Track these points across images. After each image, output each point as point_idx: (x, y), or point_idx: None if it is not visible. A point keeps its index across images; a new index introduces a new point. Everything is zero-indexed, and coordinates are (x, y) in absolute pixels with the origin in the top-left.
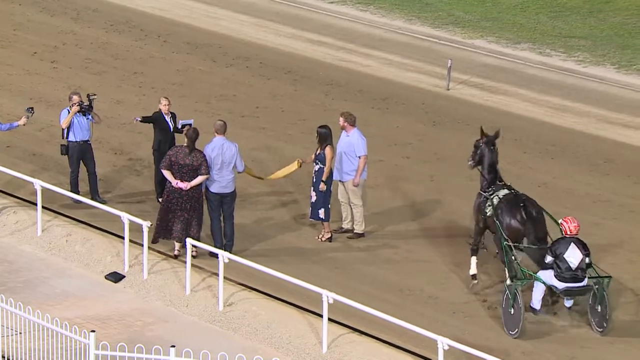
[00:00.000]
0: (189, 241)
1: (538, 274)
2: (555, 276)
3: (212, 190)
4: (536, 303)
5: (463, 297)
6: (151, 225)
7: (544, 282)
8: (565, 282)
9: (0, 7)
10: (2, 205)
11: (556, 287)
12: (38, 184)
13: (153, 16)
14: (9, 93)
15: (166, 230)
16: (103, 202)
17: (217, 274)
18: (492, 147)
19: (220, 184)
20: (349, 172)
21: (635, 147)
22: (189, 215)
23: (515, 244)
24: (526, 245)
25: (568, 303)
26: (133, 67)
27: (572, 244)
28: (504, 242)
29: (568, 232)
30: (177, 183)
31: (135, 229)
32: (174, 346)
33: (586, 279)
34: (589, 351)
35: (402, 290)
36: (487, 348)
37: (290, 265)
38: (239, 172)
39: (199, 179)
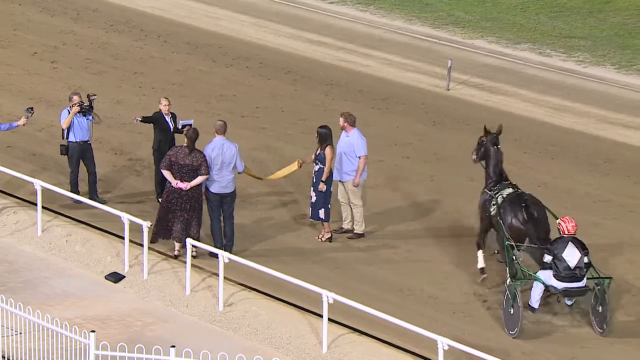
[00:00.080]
0: (189, 241)
1: (537, 273)
2: (554, 276)
3: (212, 191)
4: (534, 302)
5: (463, 297)
6: (151, 225)
7: (543, 282)
8: (564, 282)
9: (0, 7)
10: (2, 205)
11: (555, 288)
12: (38, 184)
13: (153, 16)
14: (9, 93)
15: (165, 230)
16: (103, 202)
17: (217, 274)
18: (497, 146)
19: (220, 184)
20: (349, 172)
21: (635, 147)
22: (188, 216)
23: (517, 244)
24: (527, 245)
25: (569, 301)
26: (133, 67)
27: (570, 243)
28: (506, 242)
29: (566, 232)
30: (177, 183)
31: (135, 229)
32: (174, 346)
33: (585, 279)
34: (588, 351)
35: (402, 291)
36: (487, 348)
37: (290, 265)
38: (239, 173)
39: (199, 179)
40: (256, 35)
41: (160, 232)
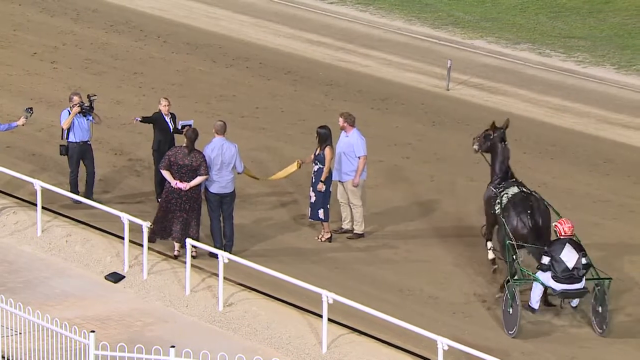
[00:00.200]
0: (189, 241)
1: (536, 274)
2: (552, 277)
3: (212, 191)
4: (534, 303)
5: (463, 297)
6: (151, 225)
7: (542, 283)
8: (562, 283)
9: (0, 7)
10: (2, 205)
11: (553, 289)
12: (38, 184)
13: (153, 16)
14: (9, 93)
15: (164, 230)
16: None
17: (216, 274)
18: (504, 142)
19: (220, 184)
20: (349, 172)
21: (634, 147)
22: (187, 216)
23: (519, 243)
24: (529, 245)
25: (574, 303)
26: (133, 67)
27: (567, 244)
28: (507, 241)
29: (562, 234)
30: (176, 183)
31: (135, 229)
32: (173, 346)
33: (584, 281)
34: (588, 351)
35: (402, 291)
36: (487, 348)
37: (289, 265)
38: (238, 173)
39: (198, 180)
40: (256, 35)
41: (158, 232)
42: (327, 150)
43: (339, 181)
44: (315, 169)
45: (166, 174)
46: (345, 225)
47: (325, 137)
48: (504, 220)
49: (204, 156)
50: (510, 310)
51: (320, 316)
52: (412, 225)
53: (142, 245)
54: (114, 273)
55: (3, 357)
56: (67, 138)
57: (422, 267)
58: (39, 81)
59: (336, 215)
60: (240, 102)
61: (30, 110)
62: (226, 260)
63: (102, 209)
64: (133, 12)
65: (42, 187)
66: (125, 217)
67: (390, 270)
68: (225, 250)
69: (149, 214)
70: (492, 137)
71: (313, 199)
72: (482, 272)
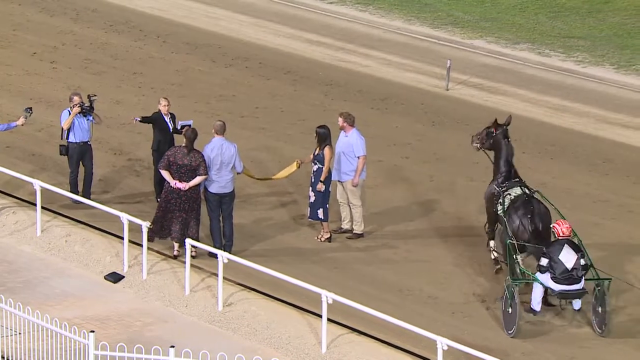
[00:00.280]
0: (188, 241)
1: (536, 275)
2: (551, 278)
3: (211, 191)
4: (536, 304)
5: (462, 297)
6: (151, 225)
7: (541, 283)
8: (561, 284)
9: None
10: (2, 205)
11: (552, 290)
12: (37, 184)
13: (152, 16)
14: (9, 93)
15: (162, 230)
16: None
17: (216, 274)
18: (507, 139)
19: (219, 184)
20: (348, 172)
21: (634, 147)
22: (187, 216)
23: (519, 243)
24: (529, 244)
25: (576, 305)
26: (132, 67)
27: (565, 245)
28: (508, 241)
29: (560, 234)
30: (175, 183)
31: (135, 229)
32: (173, 346)
33: (583, 281)
34: (588, 351)
35: (402, 291)
36: (486, 348)
37: (289, 265)
38: (237, 173)
39: (198, 179)
40: (255, 35)
41: (157, 231)
42: (327, 150)
43: (339, 181)
44: (315, 169)
45: (165, 174)
46: (345, 225)
47: (324, 137)
48: (505, 221)
49: (203, 156)
50: (510, 310)
51: (320, 316)
52: (411, 225)
53: (141, 245)
54: (114, 273)
55: (3, 357)
56: (67, 138)
57: (421, 267)
58: (39, 81)
59: (335, 215)
60: (240, 102)
61: (29, 110)
62: (226, 260)
63: (101, 208)
64: (132, 12)
65: (41, 187)
66: (125, 217)
67: (389, 270)
68: (224, 250)
69: (149, 214)
70: (494, 134)
71: (312, 199)
72: (482, 272)
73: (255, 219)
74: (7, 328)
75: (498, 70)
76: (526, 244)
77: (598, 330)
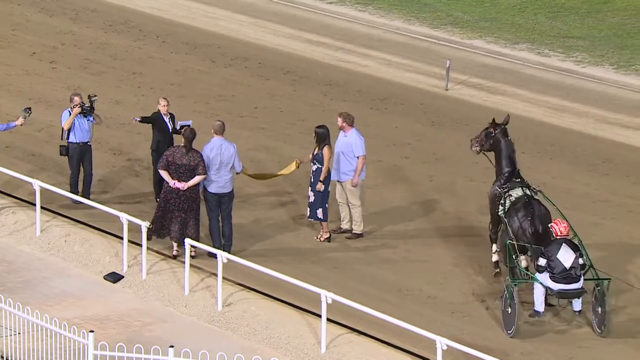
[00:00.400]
0: (188, 241)
1: (535, 274)
2: (550, 277)
3: (210, 191)
4: (539, 305)
5: (462, 297)
6: (150, 226)
7: (541, 283)
8: (560, 283)
9: None
10: (1, 205)
11: (551, 289)
12: (37, 184)
13: (152, 16)
14: (8, 93)
15: (161, 229)
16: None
17: (215, 274)
18: (508, 138)
19: (218, 184)
20: (347, 172)
21: (633, 147)
22: (186, 216)
23: (520, 243)
24: (529, 245)
25: (577, 307)
26: (132, 67)
27: (563, 244)
28: (508, 241)
29: (558, 234)
30: (174, 183)
31: (134, 229)
32: (172, 346)
33: (582, 280)
34: (587, 351)
35: (401, 290)
36: (486, 348)
37: (288, 265)
38: (237, 173)
39: (197, 179)
40: (255, 35)
41: (156, 231)
42: (326, 149)
43: (338, 181)
44: (314, 169)
45: (164, 174)
46: (344, 225)
47: (323, 137)
48: (506, 222)
49: (201, 156)
50: (509, 309)
51: (319, 316)
52: (411, 225)
53: (141, 245)
54: (113, 273)
55: (2, 357)
56: (68, 138)
57: (421, 267)
58: (38, 81)
59: (335, 215)
60: (239, 102)
61: (28, 110)
62: (225, 260)
63: (101, 209)
64: (132, 12)
65: (41, 187)
66: (124, 217)
67: (389, 270)
68: (224, 250)
69: (148, 214)
70: (494, 134)
71: (312, 199)
72: (482, 272)
73: (255, 218)
74: (6, 328)
75: (497, 70)
76: (526, 244)
77: (598, 330)
